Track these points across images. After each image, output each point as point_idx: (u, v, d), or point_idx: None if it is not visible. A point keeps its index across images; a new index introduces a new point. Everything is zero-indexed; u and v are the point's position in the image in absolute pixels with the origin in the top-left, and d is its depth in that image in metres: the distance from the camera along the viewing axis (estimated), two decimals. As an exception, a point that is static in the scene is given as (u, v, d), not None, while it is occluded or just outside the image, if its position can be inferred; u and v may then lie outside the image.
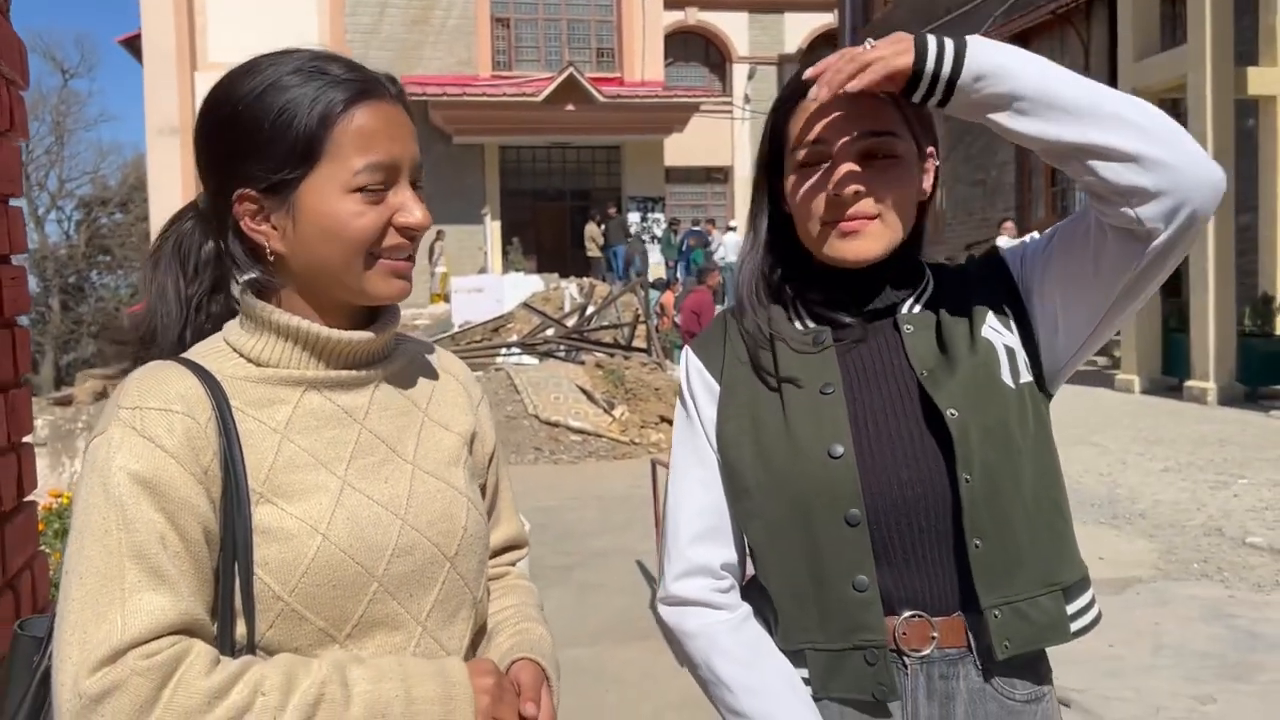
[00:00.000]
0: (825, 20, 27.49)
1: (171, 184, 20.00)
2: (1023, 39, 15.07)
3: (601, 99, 20.84)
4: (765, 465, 1.33)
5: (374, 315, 1.25)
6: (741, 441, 1.36)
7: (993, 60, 1.21)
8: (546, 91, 20.54)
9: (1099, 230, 1.26)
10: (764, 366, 1.38)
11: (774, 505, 1.32)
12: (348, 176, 1.14)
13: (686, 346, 1.48)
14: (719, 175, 28.53)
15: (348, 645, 1.12)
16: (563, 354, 12.70)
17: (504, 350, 13.09)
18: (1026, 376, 1.33)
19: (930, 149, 1.38)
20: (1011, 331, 1.35)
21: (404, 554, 1.16)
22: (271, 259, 1.19)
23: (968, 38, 1.25)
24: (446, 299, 18.18)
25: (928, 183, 1.40)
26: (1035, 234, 1.38)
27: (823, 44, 26.59)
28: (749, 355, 1.39)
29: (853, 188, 1.29)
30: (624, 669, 4.42)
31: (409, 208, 1.17)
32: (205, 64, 20.42)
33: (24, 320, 2.00)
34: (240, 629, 1.09)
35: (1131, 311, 1.34)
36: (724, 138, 27.61)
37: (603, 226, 21.20)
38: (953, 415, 1.28)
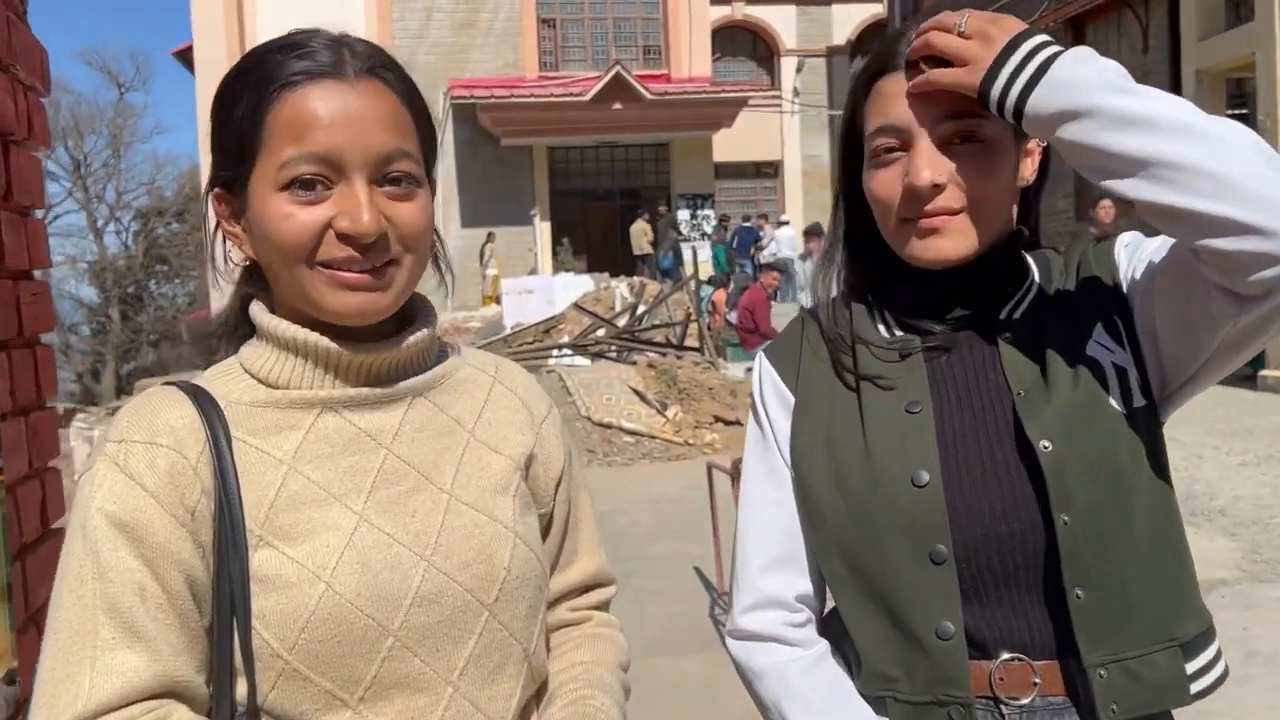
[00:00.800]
0: (874, 10, 27.11)
1: (225, 193, 20.20)
2: (1077, 23, 14.69)
3: (649, 96, 20.70)
4: (841, 490, 1.18)
5: (403, 323, 1.11)
6: (816, 461, 1.21)
7: (1070, 99, 1.03)
8: (594, 91, 20.45)
9: (1197, 274, 1.07)
10: (843, 364, 1.23)
11: (851, 536, 1.18)
12: (275, 171, 1.00)
13: (760, 351, 1.34)
14: (769, 170, 28.26)
15: (361, 710, 0.98)
16: (614, 354, 12.59)
17: (556, 351, 13.02)
18: (1140, 400, 1.16)
19: None
20: (1124, 347, 1.17)
21: (428, 602, 1.01)
22: (247, 264, 1.08)
23: (1060, 60, 1.05)
24: (498, 301, 18.16)
25: (1029, 168, 1.23)
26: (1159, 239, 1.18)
27: (872, 34, 26.22)
28: (829, 354, 1.25)
29: (929, 180, 1.12)
30: (684, 681, 4.28)
31: (352, 211, 0.99)
32: (256, 73, 20.58)
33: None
34: (241, 689, 0.97)
35: (1246, 356, 1.14)
36: (773, 132, 27.34)
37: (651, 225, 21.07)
38: (1046, 448, 1.11)
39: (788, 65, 28.51)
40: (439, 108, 21.04)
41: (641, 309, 14.18)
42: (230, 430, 1.01)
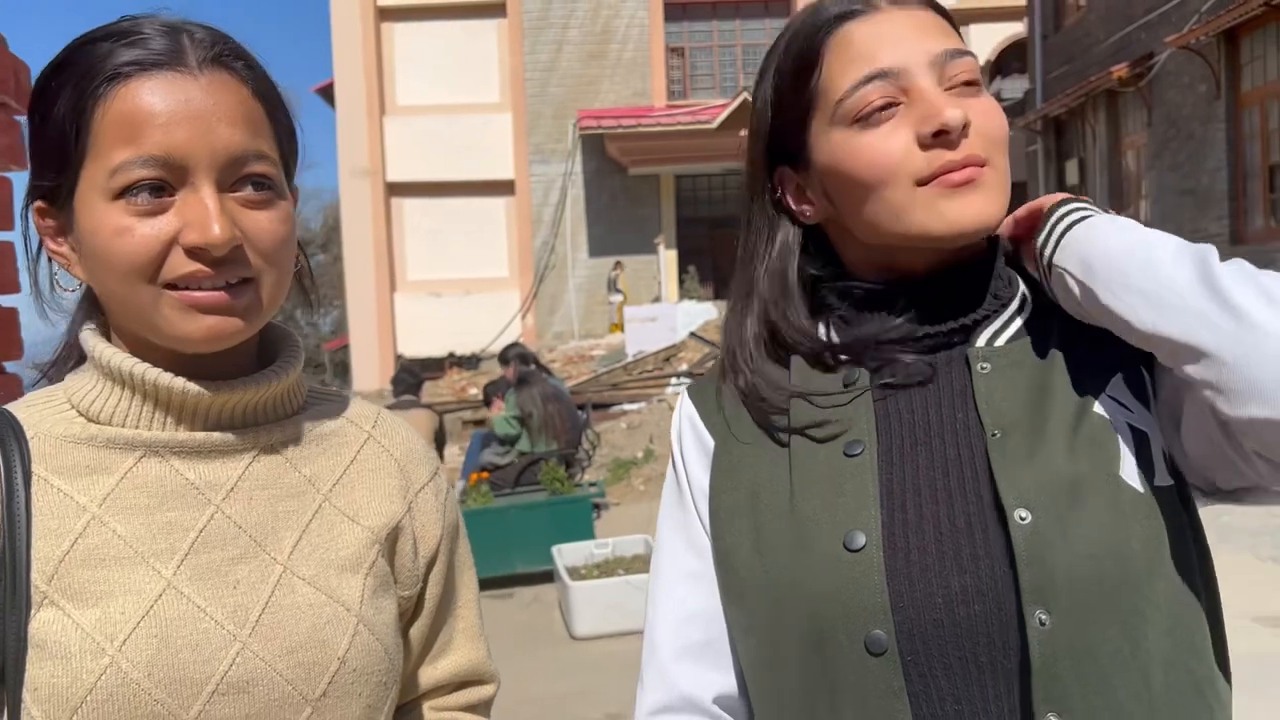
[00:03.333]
0: (1014, 29, 26.27)
1: (363, 223, 20.86)
2: (1231, 36, 13.84)
3: (777, 123, 20.47)
4: (762, 558, 0.93)
5: (265, 356, 0.97)
6: (737, 524, 0.97)
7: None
8: (720, 118, 20.33)
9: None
10: (774, 425, 0.98)
11: (769, 616, 0.93)
12: (106, 178, 0.86)
13: (684, 389, 1.11)
14: (903, 196, 27.66)
15: None
16: (732, 384, 12.39)
17: (674, 379, 12.88)
18: (1165, 477, 0.89)
19: None
20: (1149, 408, 0.92)
21: (236, 691, 0.85)
22: (81, 288, 0.94)
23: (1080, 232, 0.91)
24: (624, 329, 18.19)
25: None
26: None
27: (1012, 54, 25.40)
28: (757, 416, 1.01)
29: (959, 115, 0.90)
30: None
31: (199, 220, 0.86)
32: (395, 109, 21.26)
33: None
34: None
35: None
36: (907, 157, 26.74)
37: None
38: (1022, 520, 0.85)
39: (923, 89, 27.88)
40: (568, 138, 21.28)
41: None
42: (31, 466, 0.88)
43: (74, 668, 0.82)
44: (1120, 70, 13.98)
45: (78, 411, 0.92)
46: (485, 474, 7.61)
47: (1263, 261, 0.93)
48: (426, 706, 1.07)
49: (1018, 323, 0.98)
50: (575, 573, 5.89)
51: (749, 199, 1.07)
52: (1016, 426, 0.90)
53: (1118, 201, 15.56)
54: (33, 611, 0.84)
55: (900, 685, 0.87)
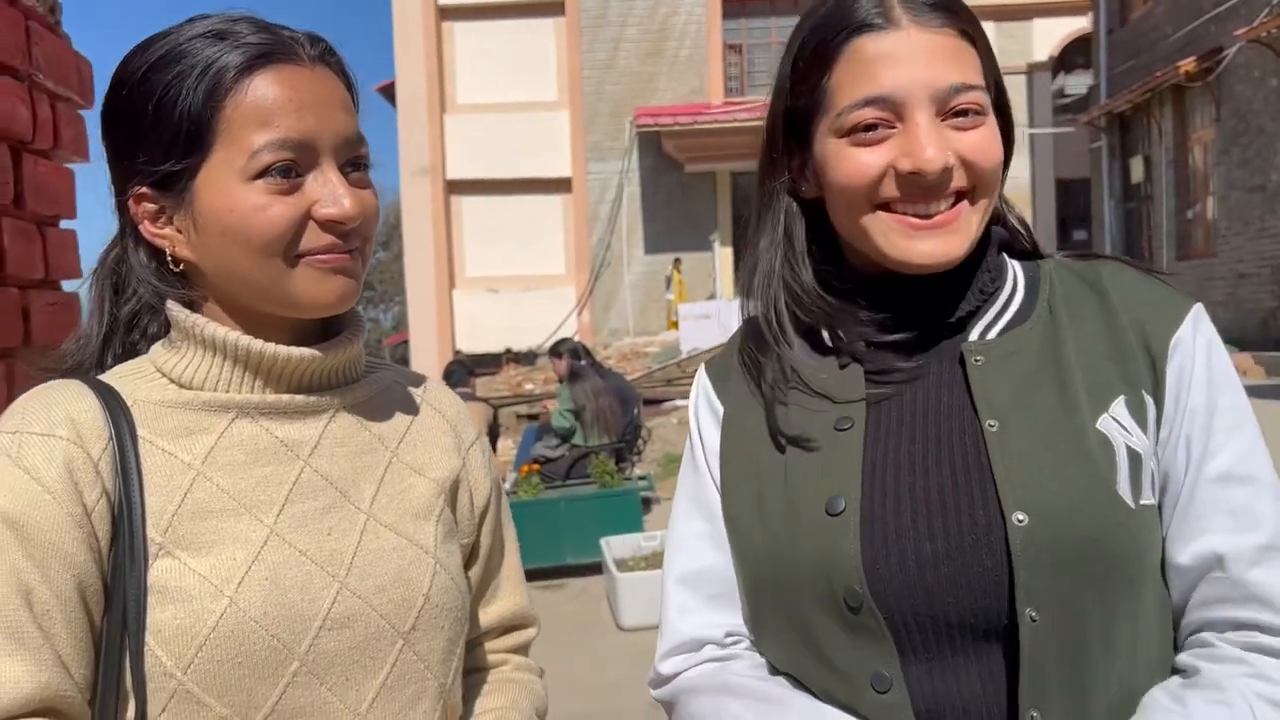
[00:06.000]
0: (1078, 24, 25.84)
1: (423, 221, 21.14)
2: (1305, 27, 13.51)
3: (834, 119, 20.35)
4: (763, 525, 1.00)
5: (329, 332, 1.05)
6: (742, 490, 1.03)
7: None
8: (778, 115, 20.28)
9: None
10: (778, 398, 1.04)
11: (769, 577, 0.99)
12: (244, 160, 0.95)
13: (703, 364, 1.18)
14: (964, 193, 27.31)
15: None
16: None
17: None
18: (1150, 498, 0.94)
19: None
20: (1146, 433, 0.95)
21: (339, 626, 0.95)
22: (179, 268, 1.01)
23: None
24: (678, 326, 18.22)
25: None
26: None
27: (1076, 49, 25.01)
28: (765, 405, 1.06)
29: (937, 161, 0.94)
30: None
31: (333, 196, 0.96)
32: (454, 107, 21.52)
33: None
34: (130, 712, 0.90)
35: None
36: (968, 154, 26.40)
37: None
38: (1020, 523, 0.89)
39: (985, 85, 27.49)
40: (625, 136, 21.36)
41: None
42: (136, 429, 0.96)
43: (196, 609, 0.91)
44: (1188, 65, 13.70)
45: (169, 379, 1.00)
46: (536, 466, 7.71)
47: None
48: (479, 650, 1.18)
49: (1009, 313, 1.02)
50: (623, 565, 5.95)
51: (762, 171, 1.11)
52: (1013, 420, 0.94)
53: (1184, 199, 15.26)
54: (150, 562, 0.92)
55: (885, 634, 0.92)
